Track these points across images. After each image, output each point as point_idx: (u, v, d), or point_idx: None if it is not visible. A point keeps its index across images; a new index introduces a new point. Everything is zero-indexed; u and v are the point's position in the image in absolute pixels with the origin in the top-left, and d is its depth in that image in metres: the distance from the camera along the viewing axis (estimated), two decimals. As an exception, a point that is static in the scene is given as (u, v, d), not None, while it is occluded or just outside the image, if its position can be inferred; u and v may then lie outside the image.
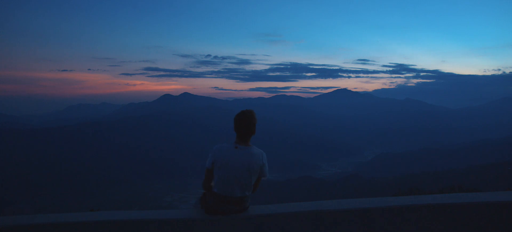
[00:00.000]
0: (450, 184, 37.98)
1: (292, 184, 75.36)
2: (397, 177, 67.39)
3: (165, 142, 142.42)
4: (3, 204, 60.26)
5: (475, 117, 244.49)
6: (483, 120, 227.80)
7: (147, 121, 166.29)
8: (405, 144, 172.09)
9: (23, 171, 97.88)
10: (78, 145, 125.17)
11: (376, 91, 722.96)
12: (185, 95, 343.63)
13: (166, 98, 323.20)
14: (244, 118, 3.02)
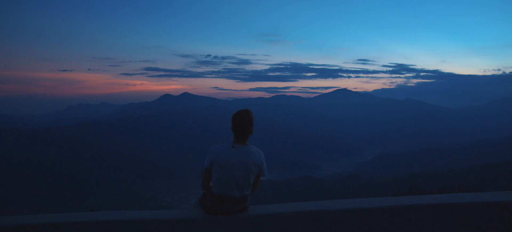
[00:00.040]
0: (450, 184, 37.98)
1: (292, 184, 75.35)
2: (397, 177, 67.39)
3: (165, 142, 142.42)
4: (3, 204, 60.25)
5: (475, 117, 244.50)
6: (483, 120, 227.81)
7: (147, 121, 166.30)
8: (405, 144, 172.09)
9: (23, 171, 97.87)
10: (78, 145, 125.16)
11: (376, 91, 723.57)
12: (185, 95, 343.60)
13: (166, 98, 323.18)
14: (241, 118, 3.03)
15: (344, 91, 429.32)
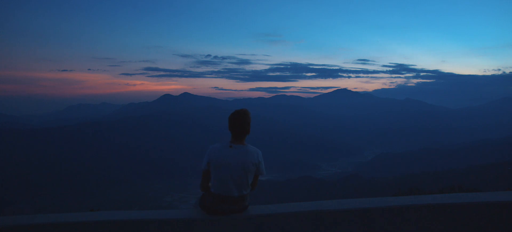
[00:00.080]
0: (450, 184, 37.97)
1: (292, 184, 75.37)
2: (397, 177, 67.40)
3: (165, 142, 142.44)
4: (3, 204, 60.27)
5: (475, 117, 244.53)
6: (483, 120, 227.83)
7: (147, 121, 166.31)
8: (405, 144, 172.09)
9: (23, 171, 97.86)
10: (78, 145, 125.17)
11: (376, 91, 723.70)
12: (185, 95, 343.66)
13: (166, 98, 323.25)
14: (239, 118, 3.04)
15: (344, 91, 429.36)
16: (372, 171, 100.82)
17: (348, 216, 2.99)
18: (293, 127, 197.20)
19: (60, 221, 2.87)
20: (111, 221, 2.88)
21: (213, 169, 3.03)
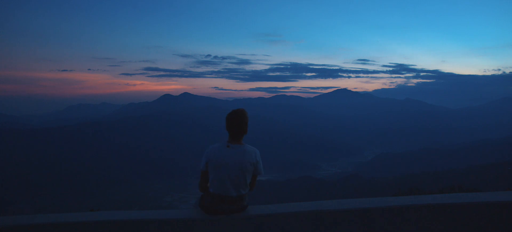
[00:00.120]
0: (450, 184, 37.98)
1: (292, 184, 75.39)
2: (397, 177, 67.39)
3: (165, 142, 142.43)
4: (3, 204, 60.33)
5: (475, 117, 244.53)
6: (483, 120, 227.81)
7: (147, 121, 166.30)
8: (405, 144, 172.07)
9: (23, 171, 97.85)
10: (78, 145, 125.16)
11: (376, 91, 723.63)
12: (185, 95, 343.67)
13: (166, 98, 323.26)
14: (236, 117, 3.04)
15: (344, 91, 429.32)
16: (372, 171, 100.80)
17: (348, 216, 2.99)
18: (293, 127, 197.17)
19: (60, 221, 2.87)
20: (111, 221, 2.88)
21: (212, 169, 3.03)
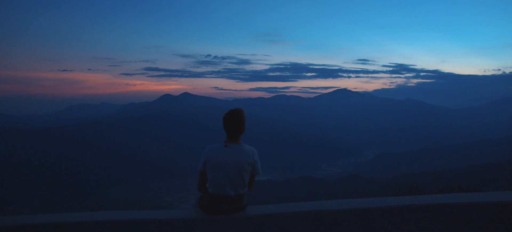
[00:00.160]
0: (450, 184, 37.99)
1: (292, 184, 75.35)
2: (397, 177, 67.40)
3: (165, 142, 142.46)
4: (3, 204, 60.24)
5: (475, 117, 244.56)
6: (483, 120, 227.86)
7: (147, 121, 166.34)
8: (405, 144, 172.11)
9: (23, 171, 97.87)
10: (78, 145, 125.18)
11: (376, 91, 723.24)
12: (185, 95, 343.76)
13: (166, 98, 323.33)
14: (233, 117, 3.05)
15: (344, 91, 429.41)
16: (372, 171, 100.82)
17: (348, 216, 2.99)
18: (293, 127, 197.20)
19: (60, 221, 2.87)
20: (111, 221, 2.88)
21: (210, 170, 3.04)
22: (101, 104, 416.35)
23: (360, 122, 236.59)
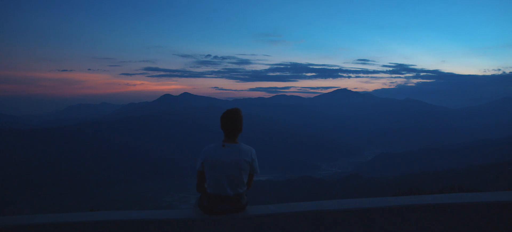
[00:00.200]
0: (450, 184, 38.00)
1: (292, 184, 75.37)
2: (397, 177, 67.42)
3: (165, 142, 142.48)
4: (3, 204, 60.26)
5: (475, 117, 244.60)
6: (483, 120, 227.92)
7: (147, 121, 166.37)
8: (405, 144, 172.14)
9: (23, 171, 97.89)
10: (78, 145, 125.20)
11: (376, 91, 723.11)
12: (185, 95, 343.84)
13: (166, 98, 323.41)
14: (230, 116, 3.06)
15: (344, 91, 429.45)
16: (372, 171, 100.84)
17: (348, 216, 2.99)
18: (293, 127, 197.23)
19: (60, 221, 2.87)
20: (111, 221, 2.88)
21: (208, 169, 3.04)
22: (101, 104, 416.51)
23: (360, 122, 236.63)
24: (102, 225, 2.85)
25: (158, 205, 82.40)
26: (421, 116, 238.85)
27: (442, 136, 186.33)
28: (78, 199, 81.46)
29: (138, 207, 71.48)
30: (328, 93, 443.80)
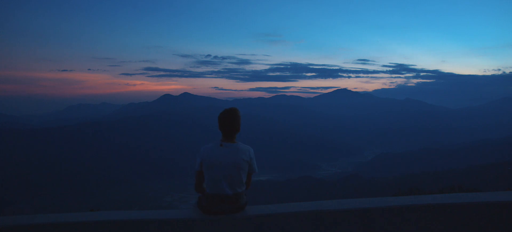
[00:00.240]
0: (450, 184, 38.01)
1: (292, 184, 75.39)
2: (397, 177, 67.43)
3: (165, 142, 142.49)
4: (3, 204, 60.28)
5: (475, 117, 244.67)
6: (483, 120, 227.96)
7: (147, 121, 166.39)
8: (405, 144, 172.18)
9: (23, 171, 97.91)
10: (78, 145, 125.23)
11: (376, 91, 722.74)
12: (185, 95, 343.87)
13: (166, 98, 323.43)
14: (228, 116, 3.07)
15: (344, 91, 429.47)
16: (372, 171, 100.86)
17: (348, 216, 2.99)
18: (293, 127, 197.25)
19: (60, 221, 2.87)
20: (111, 221, 2.88)
21: (206, 169, 3.05)
22: (101, 104, 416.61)
23: (360, 122, 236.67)
24: (102, 225, 2.85)
25: (158, 205, 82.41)
26: (421, 116, 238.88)
27: (442, 136, 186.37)
28: (78, 199, 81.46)
29: (138, 207, 71.47)
30: (328, 93, 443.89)
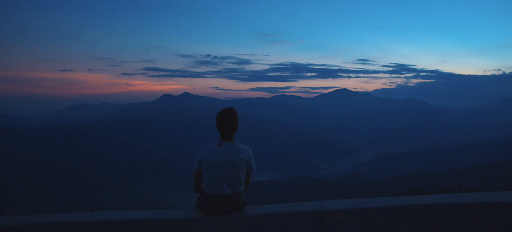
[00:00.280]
0: (450, 184, 38.01)
1: (292, 184, 75.39)
2: (397, 177, 67.44)
3: (165, 142, 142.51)
4: (3, 204, 60.29)
5: (475, 117, 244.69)
6: (483, 120, 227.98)
7: (147, 121, 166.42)
8: (405, 144, 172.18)
9: (23, 171, 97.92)
10: (78, 145, 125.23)
11: (376, 91, 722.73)
12: (185, 95, 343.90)
13: (166, 98, 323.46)
14: (226, 116, 3.08)
15: (344, 91, 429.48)
16: (372, 171, 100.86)
17: (348, 216, 2.99)
18: (293, 127, 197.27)
19: (60, 221, 2.87)
20: (111, 221, 2.88)
21: (205, 169, 3.05)
22: (101, 104, 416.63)
23: (360, 122, 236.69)
24: (102, 225, 2.85)
25: (158, 205, 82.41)
26: (421, 116, 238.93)
27: (442, 136, 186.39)
28: (78, 199, 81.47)
29: (138, 207, 71.48)
30: (328, 93, 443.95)
